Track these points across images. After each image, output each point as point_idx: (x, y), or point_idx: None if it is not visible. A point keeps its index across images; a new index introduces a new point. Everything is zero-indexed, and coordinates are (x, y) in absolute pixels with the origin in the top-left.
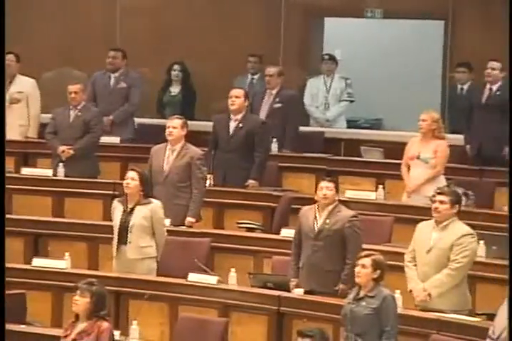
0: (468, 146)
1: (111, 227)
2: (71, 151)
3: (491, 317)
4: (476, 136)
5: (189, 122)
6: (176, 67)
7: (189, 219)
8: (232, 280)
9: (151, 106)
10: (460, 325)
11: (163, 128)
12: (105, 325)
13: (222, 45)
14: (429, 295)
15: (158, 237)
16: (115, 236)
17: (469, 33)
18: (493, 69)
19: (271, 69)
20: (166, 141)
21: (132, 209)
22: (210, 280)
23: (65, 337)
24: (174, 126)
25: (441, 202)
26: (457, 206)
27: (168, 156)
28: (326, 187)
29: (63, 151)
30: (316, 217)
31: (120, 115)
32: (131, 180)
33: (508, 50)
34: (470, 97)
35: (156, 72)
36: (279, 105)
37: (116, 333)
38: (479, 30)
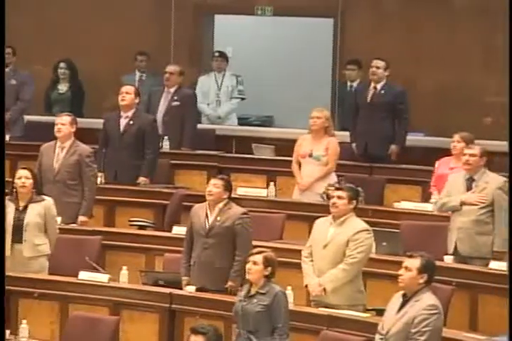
0: (354, 144)
1: None
2: None
3: (380, 312)
4: (362, 134)
5: (78, 120)
6: (62, 65)
7: (81, 218)
8: (124, 278)
9: (40, 104)
10: (350, 321)
11: (52, 126)
12: None
13: (112, 43)
14: (324, 289)
15: (50, 235)
16: (8, 235)
17: (358, 30)
18: (377, 67)
19: (171, 67)
20: (55, 138)
21: (25, 207)
22: (101, 278)
23: None
24: (63, 122)
25: (339, 197)
26: (354, 202)
27: (57, 154)
28: (213, 184)
29: None
30: (207, 215)
31: (14, 113)
32: (26, 178)
33: (508, 50)
34: (356, 96)
35: (45, 69)
36: (177, 103)
37: (6, 332)
38: (369, 28)
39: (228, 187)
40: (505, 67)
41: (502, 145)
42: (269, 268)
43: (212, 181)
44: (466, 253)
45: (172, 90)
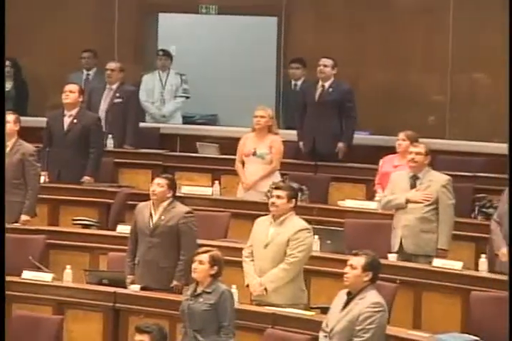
0: (301, 143)
1: None
2: None
3: (324, 310)
4: (310, 132)
5: (22, 118)
6: (6, 63)
7: (24, 217)
8: (68, 277)
9: None
10: (295, 319)
11: None
12: None
13: (56, 41)
14: (266, 289)
15: None
16: None
17: (302, 29)
18: (325, 66)
19: (112, 64)
20: None
21: None
22: (45, 277)
23: None
24: (7, 120)
25: (278, 196)
26: (294, 201)
27: None
28: (156, 183)
29: None
30: (151, 214)
31: None
32: None
33: (508, 51)
34: (303, 94)
35: None
36: (119, 100)
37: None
38: (313, 27)
39: (172, 186)
40: (447, 67)
41: (445, 144)
42: (216, 267)
43: (156, 180)
44: (410, 250)
45: (114, 87)
